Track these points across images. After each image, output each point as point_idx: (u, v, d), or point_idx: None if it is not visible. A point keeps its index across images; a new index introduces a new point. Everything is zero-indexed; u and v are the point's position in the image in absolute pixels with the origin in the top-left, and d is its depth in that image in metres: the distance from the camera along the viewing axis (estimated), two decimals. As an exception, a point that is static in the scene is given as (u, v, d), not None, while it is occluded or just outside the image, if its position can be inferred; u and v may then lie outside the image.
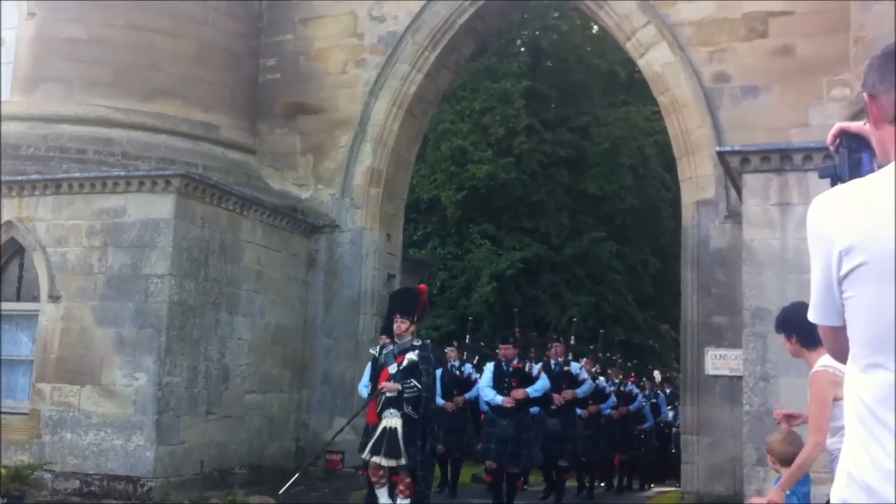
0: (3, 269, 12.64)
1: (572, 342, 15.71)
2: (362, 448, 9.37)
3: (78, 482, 10.84)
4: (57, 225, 12.11)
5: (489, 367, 11.64)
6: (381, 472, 9.14)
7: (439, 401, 12.72)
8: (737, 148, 9.83)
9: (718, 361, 12.26)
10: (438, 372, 12.87)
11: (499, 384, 11.18)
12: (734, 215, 12.06)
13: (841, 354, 1.99)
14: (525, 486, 13.66)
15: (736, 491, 10.50)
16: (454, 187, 24.42)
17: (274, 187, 14.96)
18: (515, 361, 11.34)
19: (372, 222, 14.89)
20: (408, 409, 8.87)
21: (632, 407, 15.99)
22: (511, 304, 21.65)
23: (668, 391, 19.52)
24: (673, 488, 17.79)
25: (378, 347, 9.73)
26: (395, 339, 9.36)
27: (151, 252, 11.56)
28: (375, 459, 9.03)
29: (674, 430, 18.05)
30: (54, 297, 11.90)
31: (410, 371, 8.98)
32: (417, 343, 9.31)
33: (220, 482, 11.96)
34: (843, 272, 1.87)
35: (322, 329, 14.02)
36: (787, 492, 4.73)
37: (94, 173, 12.32)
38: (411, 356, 9.06)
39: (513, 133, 23.92)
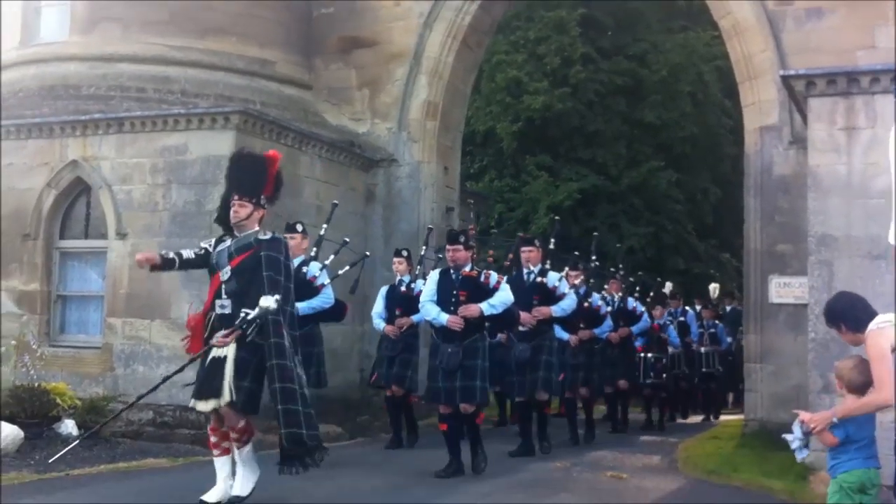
0: (70, 207, 12.94)
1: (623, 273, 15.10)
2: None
3: (151, 413, 11.16)
4: (121, 163, 12.31)
5: (433, 276, 8.75)
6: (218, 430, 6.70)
7: (380, 325, 10.78)
8: (802, 72, 9.57)
9: (783, 290, 12.12)
10: (383, 290, 11.11)
11: (444, 298, 8.45)
12: (799, 141, 11.81)
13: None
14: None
15: (800, 418, 10.47)
16: (510, 119, 24.27)
17: (331, 122, 14.99)
18: (468, 268, 8.54)
19: (429, 155, 14.88)
20: (249, 335, 6.46)
21: (635, 328, 13.30)
22: (569, 235, 21.60)
23: (698, 309, 17.29)
24: (697, 419, 16.44)
25: (212, 241, 6.95)
26: (235, 232, 6.78)
27: (214, 188, 11.68)
28: (195, 405, 6.62)
29: (703, 349, 16.27)
30: (121, 235, 12.16)
31: (248, 279, 6.49)
32: (265, 237, 6.68)
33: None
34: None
35: (381, 263, 14.09)
36: (836, 420, 4.70)
37: (155, 112, 12.46)
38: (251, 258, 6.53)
39: (568, 62, 23.59)
